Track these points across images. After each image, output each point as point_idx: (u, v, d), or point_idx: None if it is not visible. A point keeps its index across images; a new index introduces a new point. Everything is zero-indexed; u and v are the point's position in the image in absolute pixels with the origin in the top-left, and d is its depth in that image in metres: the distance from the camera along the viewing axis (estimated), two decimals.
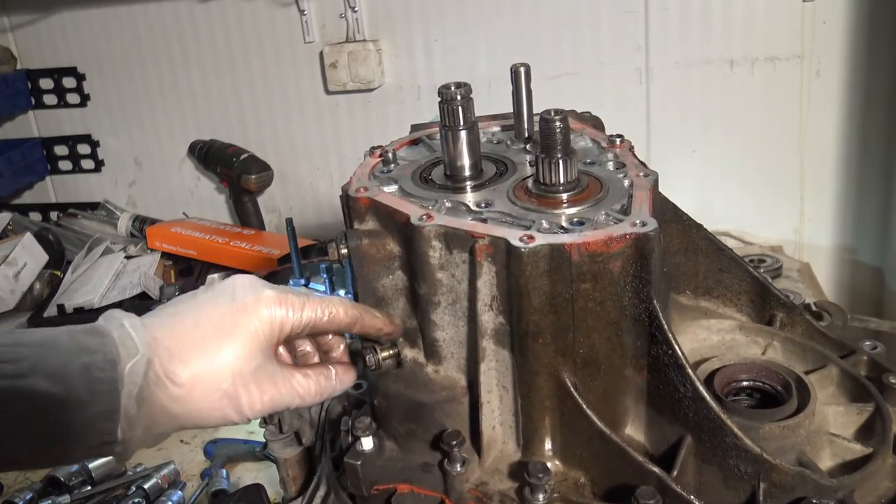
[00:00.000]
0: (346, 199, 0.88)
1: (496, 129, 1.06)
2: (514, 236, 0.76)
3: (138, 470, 1.69)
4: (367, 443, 0.89)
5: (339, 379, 0.80)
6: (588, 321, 0.79)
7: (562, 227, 0.79)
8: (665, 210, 0.93)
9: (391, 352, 0.87)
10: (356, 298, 0.90)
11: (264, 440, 1.73)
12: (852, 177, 2.11)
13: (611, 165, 0.92)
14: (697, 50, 2.12)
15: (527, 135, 1.01)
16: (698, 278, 1.01)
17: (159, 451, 1.82)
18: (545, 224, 0.79)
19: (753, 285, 1.01)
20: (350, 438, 0.91)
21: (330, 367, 0.81)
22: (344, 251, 0.87)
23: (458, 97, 0.88)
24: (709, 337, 0.98)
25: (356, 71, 2.34)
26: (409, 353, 0.89)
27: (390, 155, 0.95)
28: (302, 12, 2.37)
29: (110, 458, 1.66)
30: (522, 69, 0.97)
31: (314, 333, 0.82)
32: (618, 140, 0.97)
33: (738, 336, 0.97)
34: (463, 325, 0.84)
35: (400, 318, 0.88)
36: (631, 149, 0.97)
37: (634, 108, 2.20)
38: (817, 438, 0.83)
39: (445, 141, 0.91)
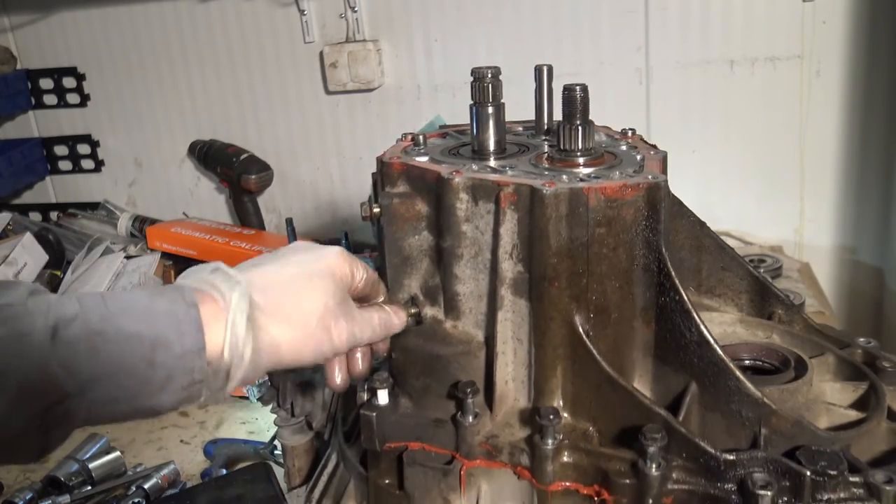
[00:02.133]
0: (380, 166, 0.94)
1: (518, 128, 1.12)
2: (537, 182, 0.82)
3: (138, 470, 1.69)
4: (383, 396, 0.92)
5: (396, 315, 0.88)
6: (602, 267, 0.83)
7: (580, 179, 0.85)
8: (672, 205, 0.95)
9: (413, 310, 0.91)
10: (382, 258, 0.95)
11: (264, 440, 1.74)
12: (852, 177, 2.11)
13: (624, 147, 0.98)
14: (697, 50, 2.12)
15: (546, 129, 1.06)
16: (702, 276, 1.03)
17: (159, 451, 1.82)
18: (565, 178, 0.85)
19: (754, 284, 1.02)
20: (366, 394, 0.94)
21: (387, 308, 0.89)
22: (376, 210, 0.92)
23: (489, 75, 0.96)
24: (710, 328, 1.00)
25: (356, 71, 2.34)
26: (429, 312, 0.92)
27: (421, 139, 1.00)
28: (302, 12, 2.37)
29: (110, 458, 1.68)
30: (545, 68, 1.05)
31: (368, 296, 0.90)
32: (629, 132, 1.03)
33: (739, 328, 0.99)
34: (483, 278, 0.88)
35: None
36: (641, 139, 1.02)
37: (634, 108, 2.20)
38: (815, 406, 0.86)
39: (475, 117, 0.97)
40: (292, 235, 1.45)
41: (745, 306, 1.03)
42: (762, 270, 1.08)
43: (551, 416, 0.81)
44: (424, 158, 0.95)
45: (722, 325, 1.00)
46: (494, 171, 0.90)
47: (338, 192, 2.57)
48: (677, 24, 2.12)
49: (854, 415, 0.84)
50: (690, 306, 0.82)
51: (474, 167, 0.90)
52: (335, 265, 0.82)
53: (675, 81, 2.16)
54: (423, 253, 0.92)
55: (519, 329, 0.87)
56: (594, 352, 0.83)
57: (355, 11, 2.32)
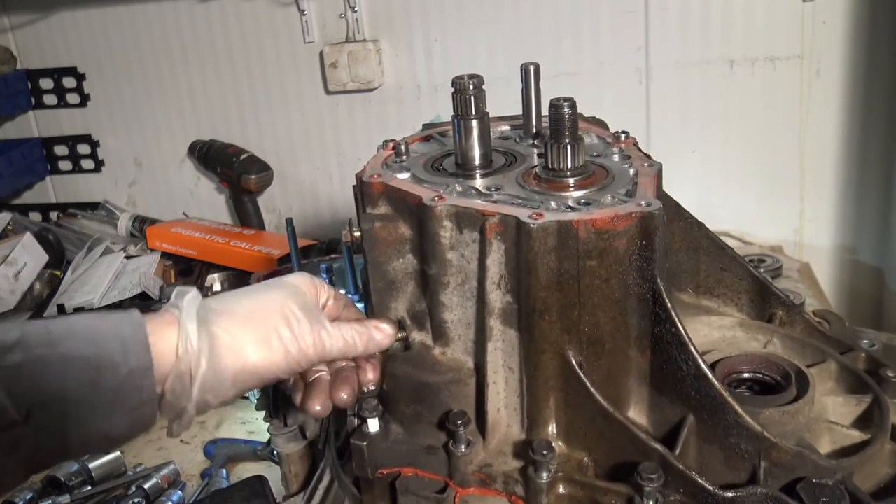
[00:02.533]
0: (360, 185, 0.90)
1: (505, 127, 1.09)
2: (523, 214, 0.79)
3: (138, 470, 1.69)
4: (374, 425, 0.90)
5: (378, 330, 0.84)
6: (594, 299, 0.81)
7: (570, 207, 0.81)
8: (667, 207, 0.94)
9: (400, 335, 0.88)
10: (367, 282, 0.92)
11: (264, 440, 1.74)
12: (852, 177, 2.11)
13: (616, 157, 0.94)
14: (697, 50, 2.12)
15: (535, 131, 1.03)
16: (700, 277, 1.02)
17: (159, 451, 1.82)
18: (553, 205, 0.81)
19: (754, 285, 1.01)
20: (356, 421, 0.92)
21: (368, 323, 0.85)
22: (357, 234, 0.90)
23: (471, 87, 0.91)
24: (710, 333, 0.99)
25: (356, 71, 2.34)
26: (417, 337, 0.90)
27: (403, 147, 0.97)
28: (302, 12, 2.37)
29: (110, 458, 1.68)
30: (532, 67, 1.00)
31: (340, 315, 0.87)
32: (623, 136, 0.99)
33: (739, 332, 0.98)
34: (471, 305, 0.86)
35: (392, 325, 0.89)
36: (635, 144, 0.99)
37: (634, 108, 2.20)
38: (816, 426, 0.84)
39: (457, 130, 0.93)
40: (292, 235, 1.44)
41: (745, 306, 1.02)
42: (762, 270, 1.08)
43: (545, 452, 0.78)
44: (406, 175, 0.92)
45: (721, 329, 0.99)
46: (480, 193, 0.86)
47: (338, 192, 2.56)
48: (677, 24, 2.11)
49: (857, 435, 0.82)
50: (687, 339, 0.79)
51: (458, 188, 0.87)
52: (296, 280, 0.82)
53: (675, 81, 2.16)
54: (409, 276, 0.90)
55: (510, 358, 0.85)
56: (587, 384, 0.80)
57: (355, 11, 2.32)
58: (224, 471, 1.71)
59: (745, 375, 0.90)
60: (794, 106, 2.09)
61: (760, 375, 0.90)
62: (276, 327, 0.75)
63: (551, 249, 0.78)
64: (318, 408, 0.82)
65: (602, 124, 1.09)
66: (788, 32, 2.04)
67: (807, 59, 2.05)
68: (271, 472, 1.52)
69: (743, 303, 1.02)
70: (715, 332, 0.98)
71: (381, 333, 0.84)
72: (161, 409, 0.72)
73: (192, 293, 0.73)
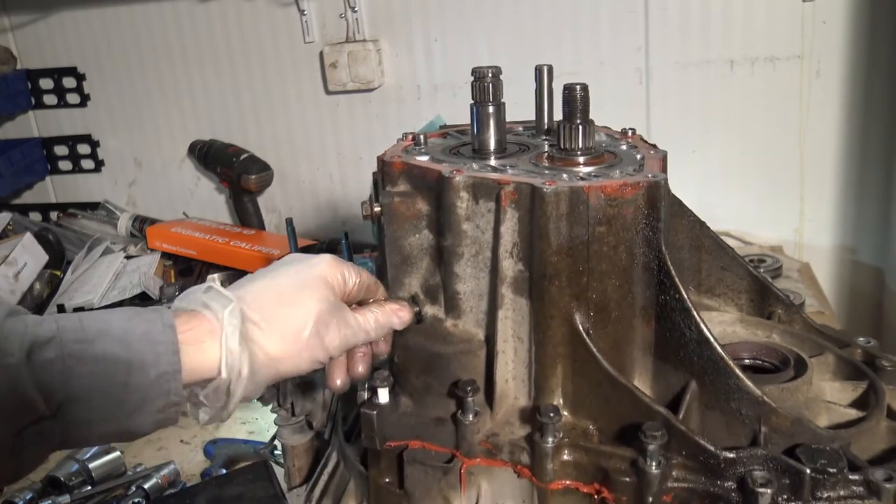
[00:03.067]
0: (381, 165, 0.94)
1: (519, 129, 1.13)
2: (537, 181, 0.82)
3: (138, 470, 1.69)
4: (384, 395, 0.92)
5: (396, 314, 0.88)
6: (602, 265, 0.83)
7: (581, 178, 0.85)
8: (671, 204, 0.95)
9: (414, 309, 0.92)
10: (383, 257, 0.95)
11: (264, 440, 1.74)
12: (852, 177, 2.11)
13: (624, 147, 0.98)
14: (697, 50, 2.12)
15: (547, 129, 1.06)
16: (701, 275, 1.03)
17: (159, 451, 1.82)
18: (565, 177, 0.85)
19: (753, 284, 1.02)
20: (367, 393, 0.94)
21: (385, 304, 0.89)
22: (377, 209, 0.92)
23: (490, 75, 0.96)
24: (711, 328, 1.00)
25: (356, 71, 2.34)
26: (429, 311, 0.93)
27: (422, 139, 1.00)
28: (302, 12, 2.37)
29: (110, 458, 1.68)
30: (545, 68, 1.05)
31: (364, 299, 0.90)
32: (630, 132, 1.03)
33: (739, 328, 0.99)
34: (484, 276, 0.88)
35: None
36: (642, 138, 1.02)
37: (634, 108, 2.20)
38: (814, 405, 0.86)
39: (475, 116, 0.97)
40: (292, 235, 1.44)
41: (745, 306, 1.03)
42: (762, 270, 1.08)
43: (551, 414, 0.81)
44: (425, 158, 0.95)
45: (722, 325, 1.00)
46: (495, 169, 0.90)
47: (338, 192, 2.57)
48: (677, 24, 2.12)
49: (854, 413, 0.85)
50: (690, 305, 0.82)
51: (475, 166, 0.90)
52: (326, 272, 0.83)
53: (675, 81, 2.16)
54: (424, 252, 0.93)
55: (519, 328, 0.87)
56: (594, 350, 0.83)
57: (355, 11, 2.32)
58: (224, 471, 1.71)
59: (746, 361, 0.92)
60: (794, 106, 2.10)
61: (760, 361, 0.92)
62: (309, 341, 0.79)
63: (563, 215, 0.81)
64: (338, 382, 0.88)
65: (607, 130, 1.12)
66: (788, 32, 2.04)
67: (807, 59, 2.05)
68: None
69: (743, 302, 1.03)
70: (715, 328, 0.99)
71: (399, 318, 0.88)
72: (188, 409, 0.75)
73: (231, 306, 0.74)
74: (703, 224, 1.00)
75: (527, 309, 0.86)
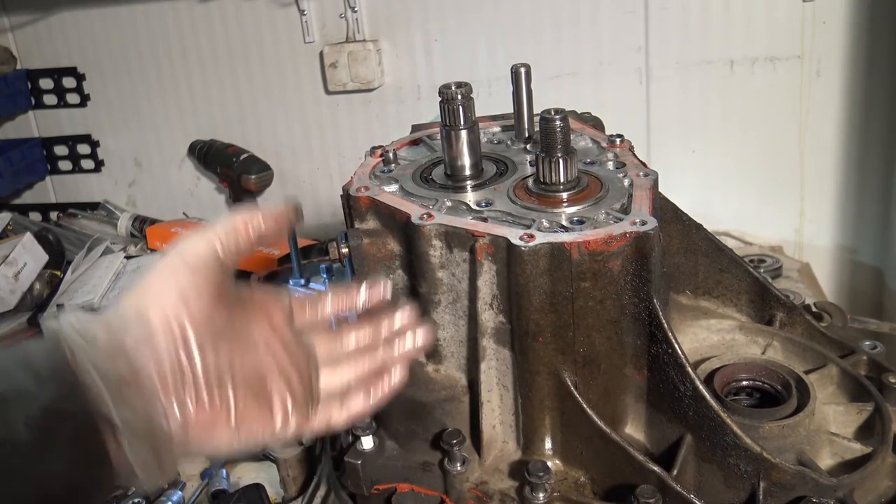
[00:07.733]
0: (347, 199, 0.89)
1: (496, 129, 1.07)
2: (514, 235, 0.77)
3: None
4: (368, 442, 0.89)
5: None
6: (588, 320, 0.79)
7: (562, 226, 0.79)
8: (665, 210, 0.94)
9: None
10: None
11: None
12: (852, 177, 2.11)
13: (611, 165, 0.92)
14: (697, 50, 2.12)
15: (527, 135, 1.01)
16: (698, 278, 1.02)
17: None
18: (545, 223, 0.79)
19: (753, 285, 1.01)
20: (350, 438, 0.91)
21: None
22: (345, 250, 0.89)
23: (459, 97, 0.89)
24: (708, 336, 0.99)
25: (356, 71, 2.34)
26: None
27: (391, 155, 0.96)
28: (302, 12, 2.37)
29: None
30: (523, 69, 0.97)
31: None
32: (618, 140, 0.98)
33: (738, 336, 0.98)
34: (463, 324, 0.84)
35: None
36: (631, 149, 0.98)
37: (634, 108, 2.20)
38: (817, 438, 0.83)
39: (446, 141, 0.91)
40: (292, 235, 1.44)
41: (745, 307, 1.02)
42: (762, 271, 1.08)
43: (541, 474, 0.77)
44: (394, 187, 0.90)
45: (721, 332, 0.99)
46: (470, 209, 0.84)
47: (338, 192, 2.53)
48: (677, 24, 2.11)
49: (858, 448, 0.82)
50: (684, 360, 0.78)
51: (448, 203, 0.85)
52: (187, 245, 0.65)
53: (675, 81, 2.16)
54: (400, 292, 0.88)
55: (504, 377, 0.83)
56: (583, 404, 0.80)
57: (355, 11, 2.32)
58: (224, 471, 1.71)
59: (745, 383, 0.90)
60: (794, 106, 2.09)
61: (760, 384, 0.89)
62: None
63: (543, 272, 0.76)
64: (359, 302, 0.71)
65: (597, 122, 1.08)
66: (788, 32, 2.04)
67: (807, 60, 2.04)
68: (271, 473, 1.52)
69: (742, 303, 1.02)
70: (714, 336, 0.98)
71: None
72: None
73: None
74: (699, 227, 0.99)
75: (510, 359, 0.82)
